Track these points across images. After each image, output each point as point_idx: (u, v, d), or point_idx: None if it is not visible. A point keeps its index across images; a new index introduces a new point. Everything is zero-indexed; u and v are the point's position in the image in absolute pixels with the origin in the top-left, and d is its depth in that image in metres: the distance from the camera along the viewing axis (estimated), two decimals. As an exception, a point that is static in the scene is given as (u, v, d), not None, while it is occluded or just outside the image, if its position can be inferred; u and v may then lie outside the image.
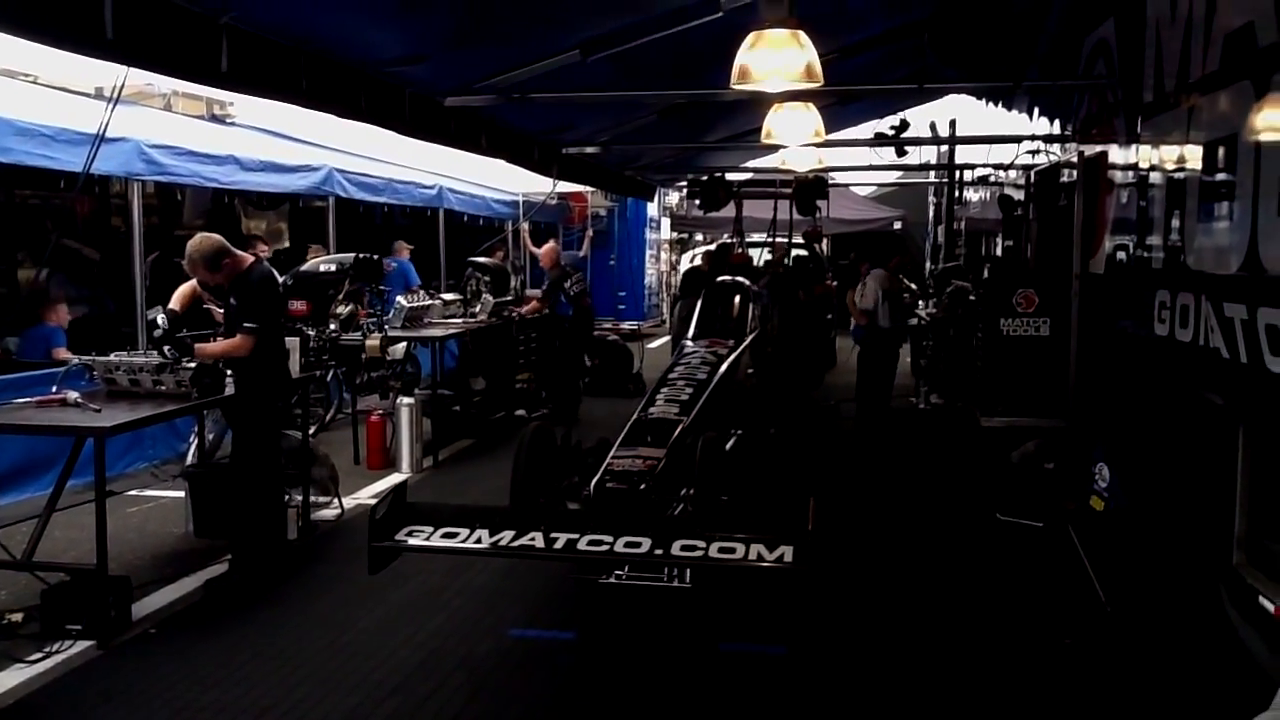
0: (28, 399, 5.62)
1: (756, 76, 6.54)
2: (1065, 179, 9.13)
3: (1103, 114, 7.45)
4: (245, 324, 5.78)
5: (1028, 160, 11.04)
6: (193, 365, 5.76)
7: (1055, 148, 9.69)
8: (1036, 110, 10.30)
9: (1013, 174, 12.36)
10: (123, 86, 4.87)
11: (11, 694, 4.49)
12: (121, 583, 5.25)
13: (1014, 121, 11.47)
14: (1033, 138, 10.47)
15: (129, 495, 7.47)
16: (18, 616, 5.07)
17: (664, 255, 21.89)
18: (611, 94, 8.20)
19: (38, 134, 7.14)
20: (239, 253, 5.96)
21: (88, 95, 9.26)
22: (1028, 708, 4.57)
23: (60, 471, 5.60)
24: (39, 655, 4.79)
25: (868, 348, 10.83)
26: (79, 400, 5.47)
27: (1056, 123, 9.54)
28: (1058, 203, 9.36)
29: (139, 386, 5.83)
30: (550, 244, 12.61)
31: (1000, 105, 11.98)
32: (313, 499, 7.00)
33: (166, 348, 5.79)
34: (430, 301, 10.24)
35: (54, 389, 5.61)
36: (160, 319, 5.85)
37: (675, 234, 23.05)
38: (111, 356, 5.99)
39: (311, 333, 7.23)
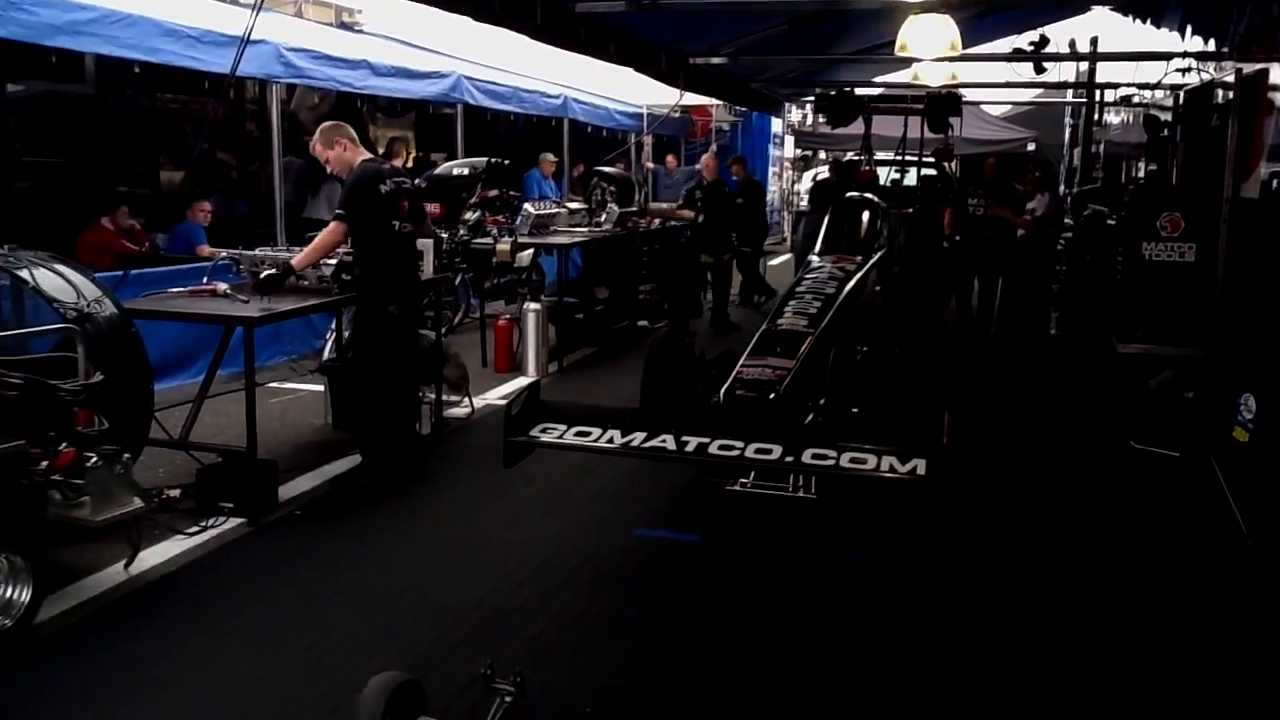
0: (180, 289, 5.85)
1: (899, -18, 6.34)
2: (1219, 99, 8.68)
3: (1265, 29, 7.03)
4: (336, 211, 5.86)
5: (1177, 79, 10.54)
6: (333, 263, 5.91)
7: (1208, 66, 9.22)
8: (1189, 28, 9.76)
9: (1159, 94, 11.82)
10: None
11: (173, 562, 4.77)
12: (269, 466, 5.50)
13: (1162, 39, 10.92)
14: (1184, 55, 9.97)
15: (270, 387, 7.77)
16: (175, 493, 5.37)
17: (787, 173, 21.53)
18: (746, 0, 8.03)
19: (184, 35, 7.33)
20: (358, 148, 6.00)
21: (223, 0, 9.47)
22: (1162, 637, 4.48)
23: (211, 358, 5.85)
24: (195, 529, 5.08)
25: (1023, 257, 10.66)
26: (228, 291, 5.68)
27: (1211, 41, 9.07)
28: (1209, 124, 8.92)
29: (283, 279, 6.01)
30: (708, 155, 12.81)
31: (1149, 22, 11.39)
32: (444, 397, 7.18)
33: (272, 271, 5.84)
34: (557, 210, 10.30)
35: (204, 280, 5.83)
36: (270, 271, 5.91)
37: (799, 151, 22.63)
38: (256, 251, 6.18)
39: (444, 235, 7.32)
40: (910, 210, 10.90)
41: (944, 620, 4.53)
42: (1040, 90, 17.84)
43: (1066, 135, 18.84)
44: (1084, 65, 15.60)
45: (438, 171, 8.23)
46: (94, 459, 4.22)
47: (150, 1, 7.62)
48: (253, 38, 6.91)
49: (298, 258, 5.84)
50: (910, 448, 4.29)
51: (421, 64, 10.39)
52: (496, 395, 8.10)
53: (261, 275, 5.73)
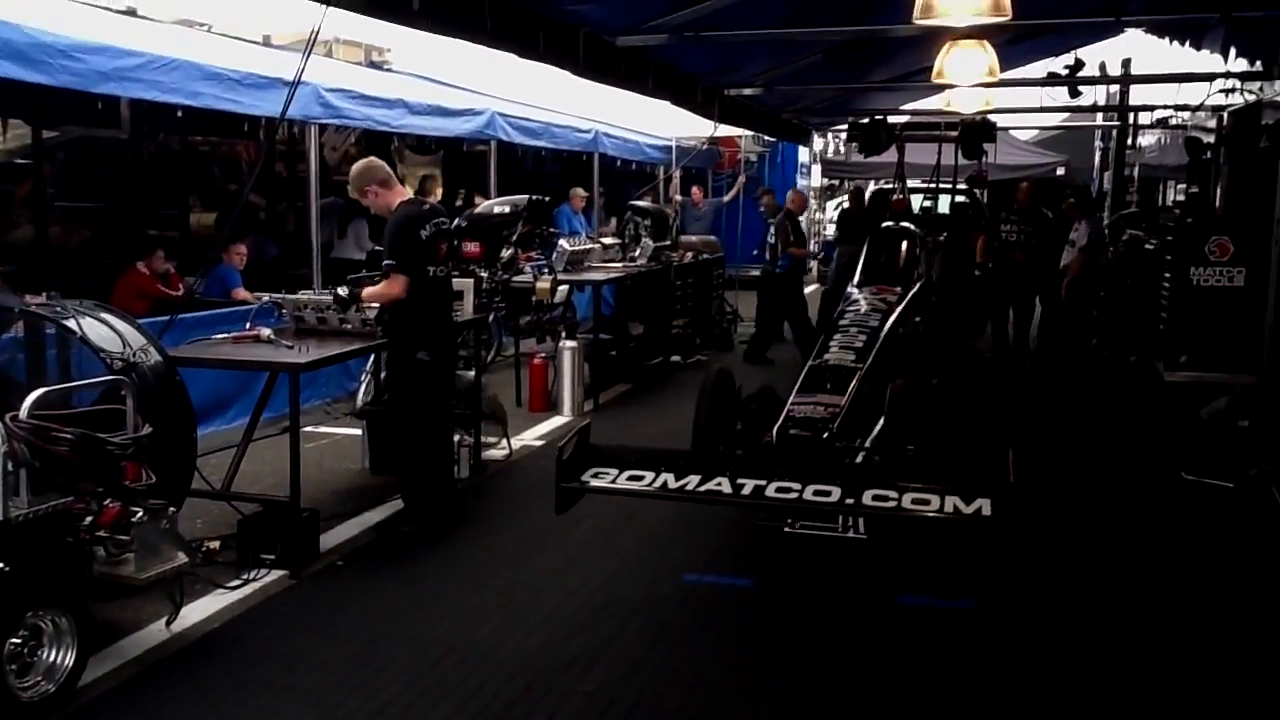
0: (224, 334, 5.78)
1: (941, 10, 6.27)
2: (1267, 120, 8.55)
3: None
4: (385, 263, 5.64)
5: (1219, 101, 10.41)
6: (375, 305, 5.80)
7: (1253, 86, 9.10)
8: (1233, 50, 9.63)
9: (1200, 115, 11.67)
10: (319, 31, 4.91)
11: (217, 618, 4.65)
12: (311, 515, 5.38)
13: (1200, 61, 10.78)
14: (1228, 75, 9.85)
15: (305, 431, 7.65)
16: (215, 544, 5.25)
17: (813, 202, 21.40)
18: (786, 31, 8.01)
19: (225, 78, 7.29)
20: (396, 188, 5.82)
21: (256, 43, 9.53)
22: (1227, 677, 4.32)
23: (247, 403, 5.78)
24: (237, 582, 4.96)
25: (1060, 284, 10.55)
26: (272, 337, 5.59)
27: (1259, 62, 8.94)
28: (1256, 145, 8.78)
29: (325, 324, 5.91)
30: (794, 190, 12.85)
31: (1187, 44, 11.25)
32: (483, 439, 7.07)
33: (342, 289, 5.79)
34: (591, 245, 10.23)
35: (247, 325, 5.76)
36: (342, 290, 5.84)
37: (825, 180, 22.54)
38: (300, 295, 6.12)
39: (484, 274, 7.25)
40: (943, 238, 10.80)
41: (1009, 666, 4.38)
42: (1068, 114, 17.71)
43: (1097, 159, 18.69)
44: (1114, 88, 15.48)
45: (477, 210, 8.16)
46: (139, 513, 4.13)
47: (189, 46, 7.64)
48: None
49: (367, 291, 5.73)
50: (975, 487, 4.17)
51: (455, 101, 10.40)
52: (534, 435, 8.00)
53: (335, 290, 5.71)
